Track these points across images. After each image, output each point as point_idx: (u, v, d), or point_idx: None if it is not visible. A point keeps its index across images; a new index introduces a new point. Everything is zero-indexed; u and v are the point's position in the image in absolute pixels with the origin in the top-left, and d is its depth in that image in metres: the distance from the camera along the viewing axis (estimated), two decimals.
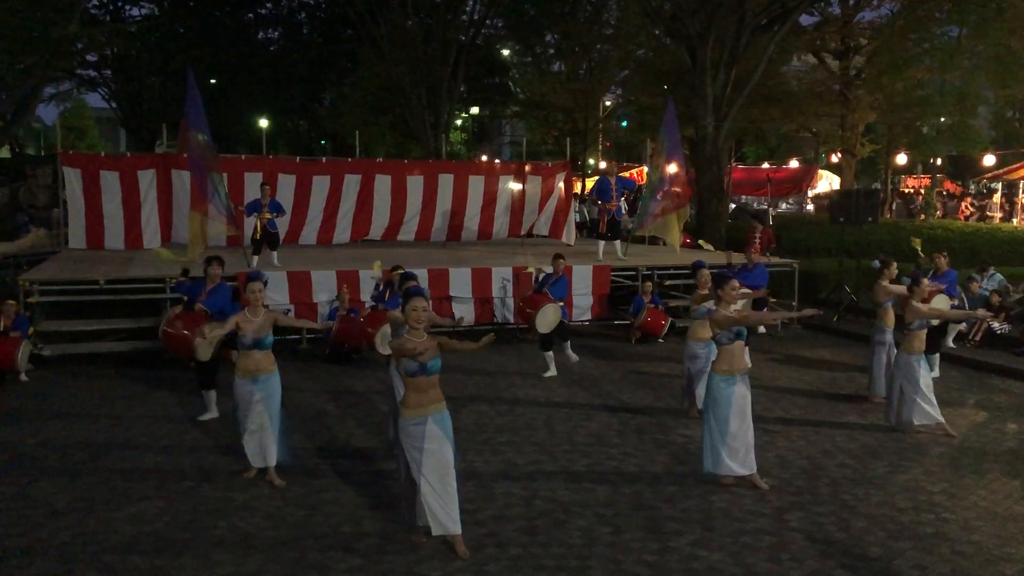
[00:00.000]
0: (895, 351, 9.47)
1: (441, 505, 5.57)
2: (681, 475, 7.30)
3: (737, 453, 6.90)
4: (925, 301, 9.40)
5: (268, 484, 6.88)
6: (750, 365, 7.32)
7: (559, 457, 7.71)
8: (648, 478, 7.22)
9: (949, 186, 37.15)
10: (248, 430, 6.91)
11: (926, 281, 8.81)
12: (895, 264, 9.80)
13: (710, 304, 8.55)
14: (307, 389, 10.08)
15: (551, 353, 10.87)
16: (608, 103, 36.72)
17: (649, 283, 13.50)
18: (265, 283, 7.26)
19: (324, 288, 12.30)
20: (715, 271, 8.68)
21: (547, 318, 10.73)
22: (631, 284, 14.11)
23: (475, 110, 42.03)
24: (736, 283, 7.14)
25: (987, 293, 13.08)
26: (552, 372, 10.81)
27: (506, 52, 38.75)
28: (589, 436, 8.38)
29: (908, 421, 8.52)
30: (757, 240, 14.66)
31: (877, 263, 10.02)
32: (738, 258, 13.16)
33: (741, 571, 5.51)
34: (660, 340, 13.21)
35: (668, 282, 14.35)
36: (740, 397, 6.94)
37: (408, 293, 5.86)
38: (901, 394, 8.54)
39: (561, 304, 11.13)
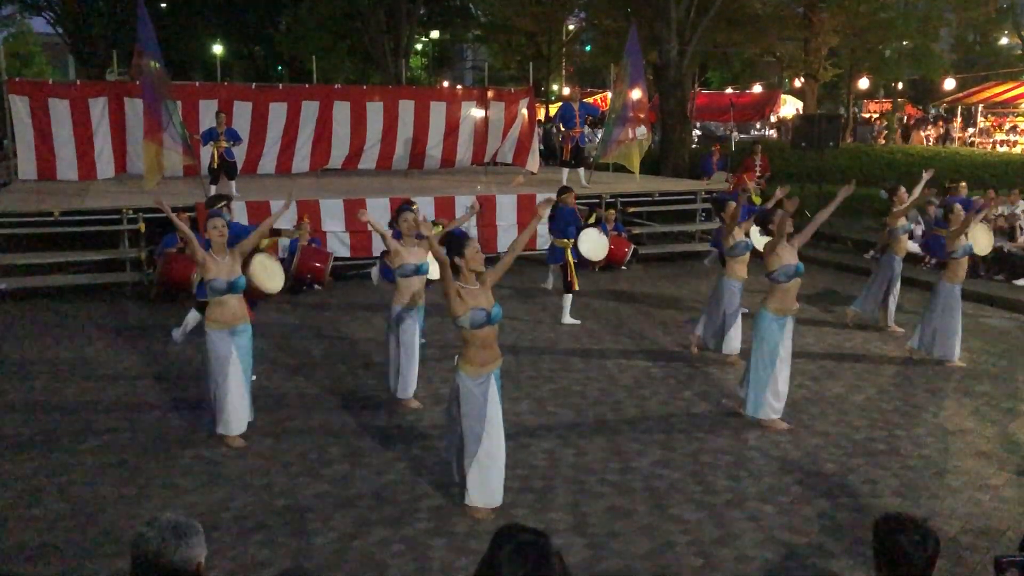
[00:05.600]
0: (897, 282, 9.58)
1: (497, 475, 5.13)
2: (642, 398, 7.45)
3: (780, 395, 6.67)
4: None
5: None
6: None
7: (524, 383, 7.81)
8: (610, 402, 7.35)
9: (910, 110, 37.32)
10: (230, 391, 6.18)
11: (958, 207, 8.44)
12: (903, 189, 9.70)
13: (741, 237, 8.51)
14: (278, 323, 10.04)
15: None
16: (571, 27, 36.12)
17: (612, 211, 13.50)
18: (229, 222, 6.55)
19: (284, 218, 12.07)
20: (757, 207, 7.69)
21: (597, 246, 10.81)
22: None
23: (435, 34, 41.12)
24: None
25: None
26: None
27: None
28: (553, 362, 8.47)
29: (950, 356, 8.30)
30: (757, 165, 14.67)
31: (884, 193, 9.86)
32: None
33: (701, 489, 5.66)
34: (623, 268, 13.30)
35: (631, 209, 14.35)
36: (788, 338, 6.68)
37: (456, 237, 5.05)
38: (943, 324, 8.24)
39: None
